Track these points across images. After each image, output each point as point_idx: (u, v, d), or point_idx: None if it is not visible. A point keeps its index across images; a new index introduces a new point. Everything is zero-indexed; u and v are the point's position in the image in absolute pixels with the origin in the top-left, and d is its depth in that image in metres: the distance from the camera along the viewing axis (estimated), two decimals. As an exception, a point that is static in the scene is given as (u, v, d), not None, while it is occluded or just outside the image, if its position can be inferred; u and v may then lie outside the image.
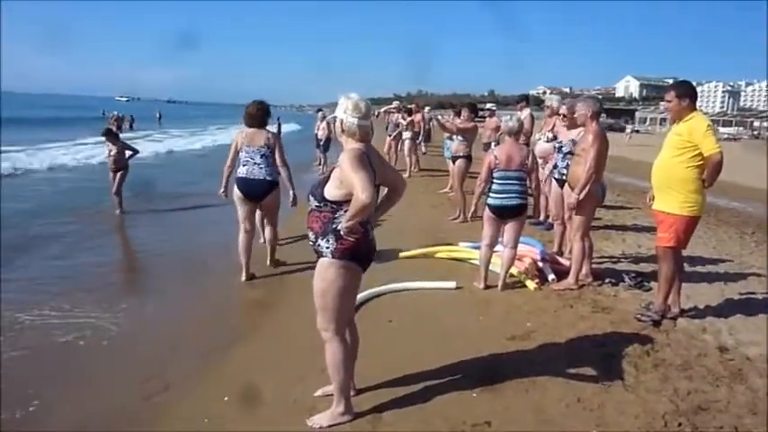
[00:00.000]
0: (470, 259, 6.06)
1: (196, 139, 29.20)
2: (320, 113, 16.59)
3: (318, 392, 3.31)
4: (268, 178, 5.51)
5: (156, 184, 12.32)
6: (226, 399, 3.34)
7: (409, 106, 16.00)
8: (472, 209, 8.09)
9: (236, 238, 5.66)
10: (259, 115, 5.60)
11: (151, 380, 3.62)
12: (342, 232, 2.78)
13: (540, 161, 6.36)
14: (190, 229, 8.53)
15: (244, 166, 5.52)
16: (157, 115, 46.59)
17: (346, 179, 2.71)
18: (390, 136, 14.49)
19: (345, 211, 2.76)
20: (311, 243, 2.93)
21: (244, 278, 5.64)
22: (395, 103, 15.84)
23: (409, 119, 14.08)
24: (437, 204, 9.45)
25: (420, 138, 15.66)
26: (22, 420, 3.20)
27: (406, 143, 13.88)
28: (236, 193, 5.55)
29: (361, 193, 2.60)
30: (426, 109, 17.81)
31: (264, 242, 6.12)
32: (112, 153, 9.19)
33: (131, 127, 34.15)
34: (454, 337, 4.22)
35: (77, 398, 3.47)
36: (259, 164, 5.49)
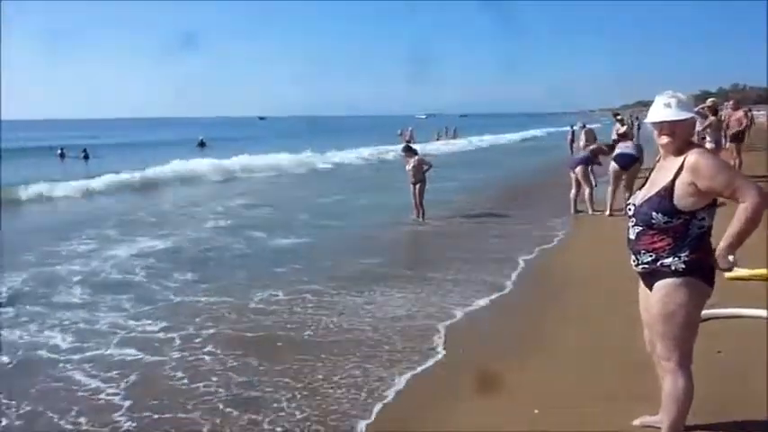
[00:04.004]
0: (825, 286, 4.93)
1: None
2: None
3: (637, 422, 3.04)
4: (636, 155, 9.43)
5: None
6: (536, 411, 3.34)
7: (708, 104, 13.82)
8: None
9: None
10: (620, 118, 9.75)
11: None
12: (721, 264, 2.48)
13: None
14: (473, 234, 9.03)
15: (618, 150, 9.66)
16: (453, 130, 48.29)
17: (710, 183, 2.43)
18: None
19: (700, 219, 2.50)
20: (645, 266, 2.60)
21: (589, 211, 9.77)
22: (710, 101, 13.88)
23: (710, 119, 12.21)
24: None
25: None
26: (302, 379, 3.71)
27: (707, 146, 12.02)
28: (613, 166, 9.49)
29: (758, 195, 2.33)
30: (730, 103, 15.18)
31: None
32: (410, 167, 10.18)
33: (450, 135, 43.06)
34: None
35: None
36: (627, 145, 9.67)
